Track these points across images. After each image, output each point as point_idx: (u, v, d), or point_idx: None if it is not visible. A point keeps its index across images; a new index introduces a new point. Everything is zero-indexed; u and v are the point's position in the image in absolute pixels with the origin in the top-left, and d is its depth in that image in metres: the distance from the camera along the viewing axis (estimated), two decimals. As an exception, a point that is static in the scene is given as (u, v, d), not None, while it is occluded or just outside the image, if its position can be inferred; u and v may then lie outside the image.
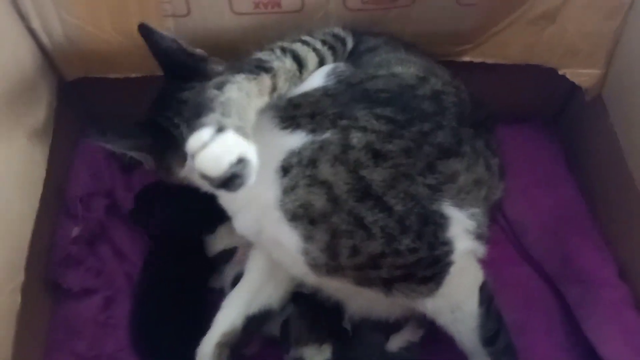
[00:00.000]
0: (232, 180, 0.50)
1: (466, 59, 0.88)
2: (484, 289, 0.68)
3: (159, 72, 0.84)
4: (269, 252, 0.71)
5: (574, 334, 0.81)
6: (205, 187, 0.74)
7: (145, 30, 0.73)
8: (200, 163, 0.50)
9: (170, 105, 0.72)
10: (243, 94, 0.58)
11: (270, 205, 0.63)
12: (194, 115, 0.55)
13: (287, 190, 0.62)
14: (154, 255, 0.88)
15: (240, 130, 0.53)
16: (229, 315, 0.73)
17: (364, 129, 0.63)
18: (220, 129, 0.51)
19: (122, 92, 0.88)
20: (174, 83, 0.74)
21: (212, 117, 0.53)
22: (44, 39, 0.79)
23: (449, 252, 0.64)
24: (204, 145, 0.51)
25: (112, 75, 0.86)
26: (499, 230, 0.92)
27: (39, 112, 0.78)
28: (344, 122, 0.63)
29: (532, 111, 1.02)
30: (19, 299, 0.66)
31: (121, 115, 0.75)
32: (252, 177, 0.52)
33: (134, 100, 0.80)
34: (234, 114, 0.54)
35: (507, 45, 0.86)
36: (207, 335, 0.73)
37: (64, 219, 0.84)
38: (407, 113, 0.65)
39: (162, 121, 0.71)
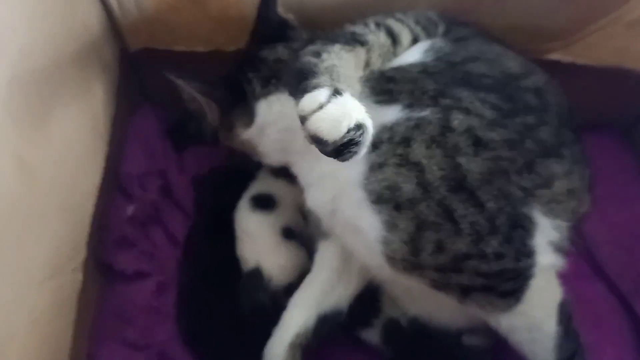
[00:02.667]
0: (347, 146, 0.46)
1: (554, 57, 0.82)
2: (563, 307, 0.63)
3: (227, 48, 0.81)
4: (341, 236, 0.65)
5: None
6: (265, 158, 0.70)
7: None
8: (316, 125, 0.46)
9: (248, 63, 0.68)
10: (344, 64, 0.55)
11: (352, 183, 0.59)
12: (297, 79, 0.51)
13: (374, 168, 0.58)
14: (195, 239, 0.82)
15: (353, 96, 0.49)
16: (301, 315, 0.69)
17: (467, 111, 0.58)
18: (336, 92, 0.48)
19: (186, 68, 0.83)
20: (255, 43, 0.71)
21: (324, 79, 0.50)
22: (113, 4, 0.74)
23: (532, 264, 0.59)
24: (321, 107, 0.47)
25: (177, 48, 0.81)
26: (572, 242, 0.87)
27: (104, 82, 0.73)
28: (446, 101, 0.59)
29: (609, 119, 0.97)
30: (80, 277, 0.62)
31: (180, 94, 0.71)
32: (367, 146, 0.48)
33: (200, 74, 0.76)
34: (342, 80, 0.51)
35: (600, 47, 0.81)
36: (277, 335, 0.68)
37: (118, 198, 0.79)
38: (511, 103, 0.61)
39: (237, 74, 0.67)
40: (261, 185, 0.80)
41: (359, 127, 0.46)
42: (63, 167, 0.61)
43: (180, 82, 0.68)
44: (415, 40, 0.66)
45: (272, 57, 0.70)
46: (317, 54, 0.54)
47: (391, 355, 0.75)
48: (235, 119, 0.69)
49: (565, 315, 0.63)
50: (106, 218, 0.76)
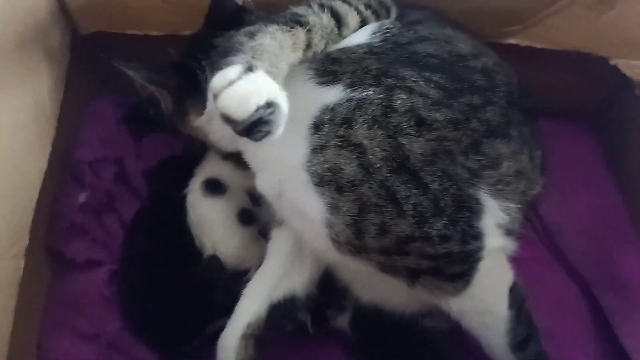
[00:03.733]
0: (257, 126, 0.45)
1: (512, 41, 0.81)
2: (514, 290, 0.62)
3: (182, 32, 0.79)
4: (289, 220, 0.65)
5: (605, 341, 0.77)
6: (221, 140, 0.69)
7: None
8: (224, 102, 0.46)
9: (200, 49, 0.67)
10: (276, 43, 0.53)
11: (296, 166, 0.58)
12: (217, 60, 0.51)
13: (316, 150, 0.57)
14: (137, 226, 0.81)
15: (270, 74, 0.48)
16: (252, 305, 0.68)
17: (410, 91, 0.57)
18: (249, 69, 0.47)
19: (140, 52, 0.81)
20: (209, 29, 0.70)
21: (242, 57, 0.49)
22: (60, -17, 0.72)
23: (480, 247, 0.58)
24: (230, 84, 0.46)
25: (131, 32, 0.79)
26: (530, 229, 0.86)
27: (52, 66, 0.71)
28: (389, 81, 0.58)
29: (573, 104, 0.96)
30: (22, 264, 0.60)
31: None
32: (281, 126, 0.47)
33: (151, 61, 0.74)
34: (265, 59, 0.50)
35: (559, 30, 0.80)
36: (229, 326, 0.67)
37: (70, 185, 0.78)
38: (457, 83, 0.60)
39: (190, 63, 0.66)
40: (210, 169, 0.79)
41: (270, 104, 0.45)
42: (3, 150, 0.59)
43: (130, 72, 0.67)
44: (364, 23, 0.65)
45: (221, 42, 0.68)
46: (251, 35, 0.53)
47: (355, 340, 0.74)
48: (189, 107, 0.68)
49: (517, 298, 0.62)
50: (56, 205, 0.75)
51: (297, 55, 0.57)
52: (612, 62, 0.82)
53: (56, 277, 0.75)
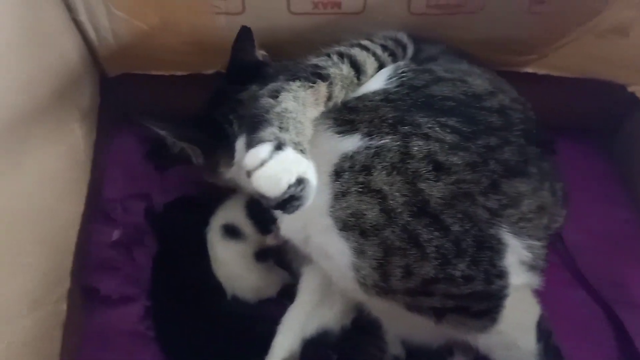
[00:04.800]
0: (289, 201, 0.48)
1: (529, 70, 0.83)
2: (541, 324, 0.63)
3: (205, 71, 0.82)
4: (317, 262, 0.66)
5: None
6: (251, 191, 0.71)
7: (245, 33, 0.72)
8: (258, 182, 0.48)
9: (226, 104, 0.69)
10: (299, 104, 0.55)
11: (319, 211, 0.59)
12: (250, 126, 0.53)
13: (339, 196, 0.59)
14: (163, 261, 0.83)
15: (298, 146, 0.51)
16: (286, 341, 0.69)
17: (426, 137, 0.59)
18: (278, 146, 0.49)
19: (164, 91, 0.84)
20: (232, 83, 0.72)
21: (270, 132, 0.51)
22: (90, 33, 0.75)
23: (504, 286, 0.59)
24: (262, 163, 0.48)
25: (155, 72, 0.82)
26: (551, 251, 0.88)
27: (84, 111, 0.74)
28: (405, 129, 0.59)
29: (588, 127, 0.97)
30: (64, 307, 0.63)
31: (164, 107, 0.73)
32: (311, 198, 0.49)
33: (175, 99, 0.77)
34: (291, 128, 0.52)
35: (573, 58, 0.81)
36: None
37: (101, 222, 0.80)
38: (474, 125, 0.61)
39: (218, 117, 0.69)
40: (229, 214, 0.81)
41: (300, 182, 0.48)
42: (40, 200, 0.61)
43: (162, 132, 0.70)
44: (381, 67, 0.67)
45: (247, 97, 0.71)
46: (275, 94, 0.55)
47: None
48: (219, 159, 0.71)
49: (544, 331, 0.63)
50: (88, 243, 0.77)
51: (320, 109, 0.59)
52: (630, 89, 0.84)
53: (89, 314, 0.77)
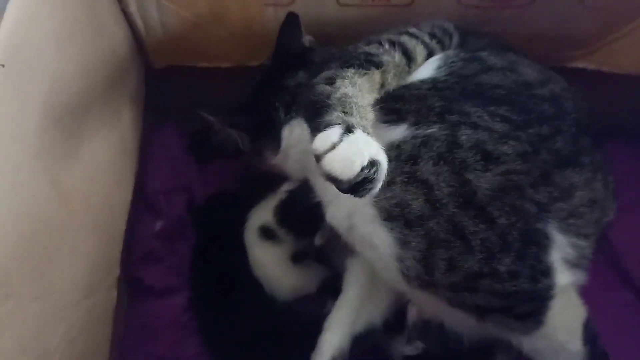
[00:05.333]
0: (362, 184, 0.46)
1: (578, 65, 0.82)
2: (587, 326, 0.61)
3: (250, 63, 0.81)
4: (361, 252, 0.65)
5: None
6: (295, 175, 0.71)
7: (292, 18, 0.71)
8: (330, 165, 0.46)
9: (272, 90, 0.69)
10: (357, 90, 0.54)
11: (364, 201, 0.57)
12: (311, 112, 0.52)
13: (383, 186, 0.56)
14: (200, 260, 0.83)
15: (365, 129, 0.49)
16: (335, 338, 0.68)
17: (475, 126, 0.57)
18: (348, 129, 0.48)
19: (208, 84, 0.84)
20: (278, 69, 0.72)
21: (336, 116, 0.49)
22: (139, 24, 0.75)
23: (551, 285, 0.57)
24: (333, 147, 0.47)
25: (201, 64, 0.82)
26: (596, 250, 0.86)
27: (132, 101, 0.74)
28: (453, 117, 0.58)
29: (637, 126, 0.95)
30: (115, 294, 0.63)
31: (205, 102, 0.73)
32: (381, 181, 0.48)
33: (218, 92, 0.77)
34: (355, 112, 0.51)
35: (624, 54, 0.80)
36: None
37: (145, 214, 0.80)
38: (525, 114, 0.60)
39: (263, 104, 0.69)
40: (265, 216, 0.79)
41: (373, 164, 0.46)
42: (95, 186, 0.62)
43: (212, 119, 0.71)
44: (429, 55, 0.66)
45: (293, 83, 0.71)
46: (331, 81, 0.54)
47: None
48: (265, 145, 0.71)
49: (591, 334, 0.61)
50: (133, 234, 0.77)
51: (374, 96, 0.58)
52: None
53: (131, 303, 0.77)
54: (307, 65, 0.70)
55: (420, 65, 0.65)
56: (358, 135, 0.48)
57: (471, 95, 0.60)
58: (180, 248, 0.82)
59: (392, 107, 0.60)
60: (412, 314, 0.69)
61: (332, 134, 0.47)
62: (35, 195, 0.49)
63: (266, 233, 0.78)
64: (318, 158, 0.47)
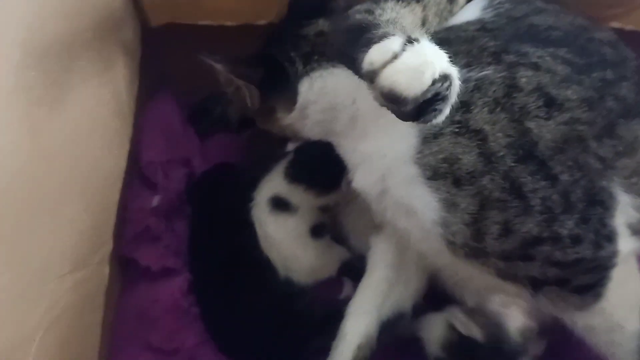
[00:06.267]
0: (431, 103, 0.38)
1: (615, 25, 0.75)
2: None
3: (257, 22, 0.74)
4: (393, 221, 0.57)
5: None
6: (314, 135, 0.63)
7: None
8: (392, 78, 0.38)
9: (288, 40, 0.61)
10: (401, 18, 0.48)
11: (403, 158, 0.52)
12: (346, 41, 0.44)
13: (429, 139, 0.51)
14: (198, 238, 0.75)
15: None
16: (361, 324, 0.61)
17: (536, 67, 0.51)
18: (409, 40, 0.39)
19: (212, 45, 0.76)
20: (293, 19, 0.64)
21: (391, 29, 0.42)
22: (134, -27, 0.68)
23: (614, 252, 0.51)
24: (395, 56, 0.39)
25: (203, 22, 0.73)
26: None
27: (127, 58, 0.66)
28: (510, 57, 0.51)
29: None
30: (107, 271, 0.55)
31: (205, 71, 0.64)
32: (452, 103, 0.40)
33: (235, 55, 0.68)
34: (410, 32, 0.43)
35: (665, 13, 0.74)
36: (337, 350, 0.60)
37: (140, 187, 0.72)
38: (586, 57, 0.53)
39: (278, 55, 0.61)
40: (276, 185, 0.72)
41: (445, 77, 0.39)
42: (83, 145, 0.54)
43: (218, 66, 0.62)
44: None
45: (312, 32, 0.63)
46: (370, 12, 0.47)
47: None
48: (277, 103, 0.63)
49: None
50: (127, 209, 0.69)
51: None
52: None
53: (125, 287, 0.69)
54: (329, 13, 0.62)
55: (462, 6, 0.59)
56: (424, 44, 0.40)
57: (525, 37, 0.54)
58: (180, 226, 0.74)
59: None
60: (515, 318, 0.59)
61: (392, 42, 0.39)
62: (13, 142, 0.41)
63: (279, 204, 0.70)
64: (373, 75, 0.39)
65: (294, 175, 0.70)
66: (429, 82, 0.38)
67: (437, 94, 0.38)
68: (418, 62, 0.38)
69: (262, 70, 0.61)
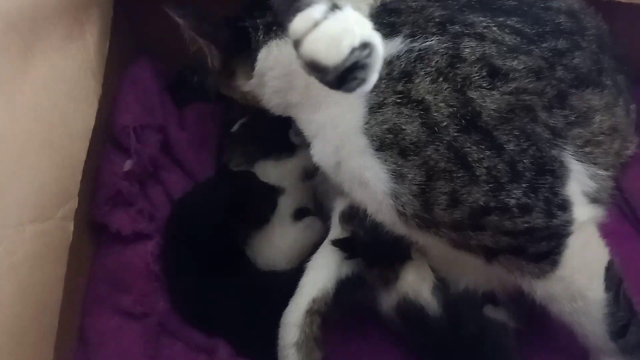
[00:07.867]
0: (352, 72, 0.38)
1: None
2: (611, 270, 0.55)
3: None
4: (350, 192, 0.57)
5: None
6: (273, 106, 0.63)
7: None
8: (311, 46, 0.38)
9: (257, 7, 0.61)
10: None
11: (353, 129, 0.52)
12: (284, 6, 0.43)
13: (374, 109, 0.51)
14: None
15: (357, 10, 0.41)
16: (318, 278, 0.61)
17: (480, 37, 0.51)
18: (333, 7, 0.39)
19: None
20: None
21: None
22: None
23: (568, 220, 0.51)
24: (316, 25, 0.38)
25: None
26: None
27: (96, 17, 0.64)
28: (455, 28, 0.51)
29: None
30: (71, 228, 0.54)
31: (184, 40, 0.64)
32: (376, 72, 0.40)
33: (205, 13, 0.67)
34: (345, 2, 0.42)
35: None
36: (294, 301, 0.61)
37: (113, 152, 0.71)
38: (538, 26, 0.53)
39: (246, 20, 0.60)
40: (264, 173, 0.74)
41: (365, 46, 0.38)
42: (50, 99, 0.53)
43: (180, 21, 0.60)
44: None
45: (278, 2, 0.63)
46: None
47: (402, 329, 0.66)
48: (237, 67, 0.62)
49: (614, 279, 0.55)
50: (98, 173, 0.68)
51: (369, 1, 0.52)
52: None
53: (97, 251, 0.69)
54: None
55: None
56: (347, 11, 0.40)
57: (477, 7, 0.54)
58: (152, 192, 0.73)
59: (385, 20, 0.53)
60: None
61: (315, 10, 0.39)
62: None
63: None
64: (297, 44, 0.39)
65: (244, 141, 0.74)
66: (347, 50, 0.38)
67: (356, 63, 0.38)
68: (337, 30, 0.38)
69: (228, 33, 0.60)
